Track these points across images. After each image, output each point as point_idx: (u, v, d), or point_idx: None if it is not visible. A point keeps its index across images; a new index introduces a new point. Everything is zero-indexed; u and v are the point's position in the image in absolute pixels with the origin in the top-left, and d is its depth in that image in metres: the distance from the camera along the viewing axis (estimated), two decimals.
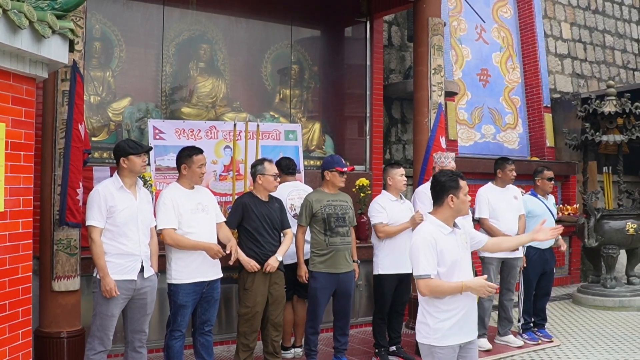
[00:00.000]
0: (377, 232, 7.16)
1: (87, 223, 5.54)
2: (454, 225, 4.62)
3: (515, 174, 8.26)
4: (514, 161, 8.43)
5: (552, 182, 8.66)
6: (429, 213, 4.70)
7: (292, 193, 7.44)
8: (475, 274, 5.25)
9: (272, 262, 6.44)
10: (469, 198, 4.72)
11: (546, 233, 5.01)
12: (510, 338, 8.17)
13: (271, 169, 6.59)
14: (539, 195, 8.58)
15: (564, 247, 8.63)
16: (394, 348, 7.39)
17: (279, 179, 6.71)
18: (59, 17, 4.79)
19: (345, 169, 6.92)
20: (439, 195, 4.61)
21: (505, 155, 9.27)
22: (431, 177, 4.75)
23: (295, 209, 7.25)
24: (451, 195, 4.54)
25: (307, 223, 6.80)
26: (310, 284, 6.81)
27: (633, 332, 8.86)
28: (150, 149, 6.37)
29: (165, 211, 5.94)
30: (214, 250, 5.99)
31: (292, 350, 7.50)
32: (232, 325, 7.63)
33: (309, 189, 7.57)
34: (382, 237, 7.13)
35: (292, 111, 10.20)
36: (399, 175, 7.27)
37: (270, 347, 6.61)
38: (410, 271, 7.18)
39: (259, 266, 6.36)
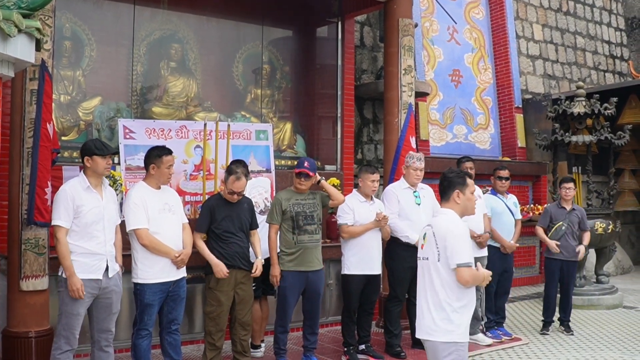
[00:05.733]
0: (341, 232, 7.21)
1: (53, 223, 5.54)
2: None
3: (473, 171, 8.30)
4: (486, 161, 8.45)
5: (504, 182, 8.65)
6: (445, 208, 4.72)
7: (252, 192, 7.44)
8: None
9: (259, 265, 6.62)
10: (476, 198, 4.85)
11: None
12: (480, 336, 8.21)
13: (229, 183, 6.49)
14: (498, 195, 8.66)
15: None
16: (363, 347, 7.43)
17: (235, 196, 6.53)
18: (25, 16, 4.77)
19: (299, 171, 6.89)
20: (446, 191, 4.71)
21: (467, 155, 9.31)
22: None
23: (258, 206, 7.29)
24: (457, 191, 4.65)
25: (278, 221, 6.82)
26: (279, 282, 6.85)
27: (601, 331, 8.98)
28: (117, 152, 6.34)
29: (136, 211, 5.91)
30: (178, 261, 6.03)
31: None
32: (202, 324, 7.63)
33: (267, 182, 7.69)
34: (346, 237, 7.17)
35: (264, 111, 10.19)
36: (369, 180, 7.25)
37: (239, 347, 6.63)
38: (378, 272, 7.32)
39: (227, 272, 6.37)
